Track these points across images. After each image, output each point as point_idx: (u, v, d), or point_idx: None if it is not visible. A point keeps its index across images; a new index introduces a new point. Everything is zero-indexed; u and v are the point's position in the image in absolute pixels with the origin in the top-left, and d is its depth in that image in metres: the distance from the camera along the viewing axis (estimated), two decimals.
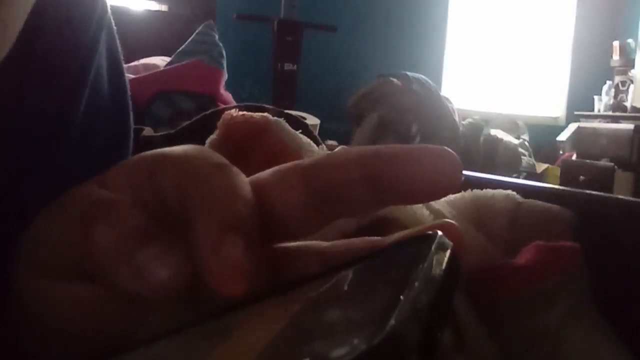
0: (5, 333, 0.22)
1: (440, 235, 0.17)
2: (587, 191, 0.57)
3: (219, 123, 0.46)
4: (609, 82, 4.16)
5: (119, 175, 0.21)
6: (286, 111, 0.63)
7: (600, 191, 0.58)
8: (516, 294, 0.43)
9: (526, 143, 3.80)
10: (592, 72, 4.29)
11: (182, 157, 0.20)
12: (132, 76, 1.67)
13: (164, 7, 3.40)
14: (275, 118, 0.47)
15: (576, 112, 4.12)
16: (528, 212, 0.50)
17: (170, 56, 1.89)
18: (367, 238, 0.22)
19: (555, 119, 4.48)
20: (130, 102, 0.39)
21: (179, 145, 0.21)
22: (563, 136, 3.94)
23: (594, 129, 3.73)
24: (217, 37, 1.84)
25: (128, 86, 0.39)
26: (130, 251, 0.18)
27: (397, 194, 0.20)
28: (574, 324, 0.42)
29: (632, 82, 3.97)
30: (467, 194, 0.51)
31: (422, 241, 0.17)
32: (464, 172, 0.19)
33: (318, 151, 0.48)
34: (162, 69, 1.82)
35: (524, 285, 0.43)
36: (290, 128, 0.47)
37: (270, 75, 3.21)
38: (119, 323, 0.20)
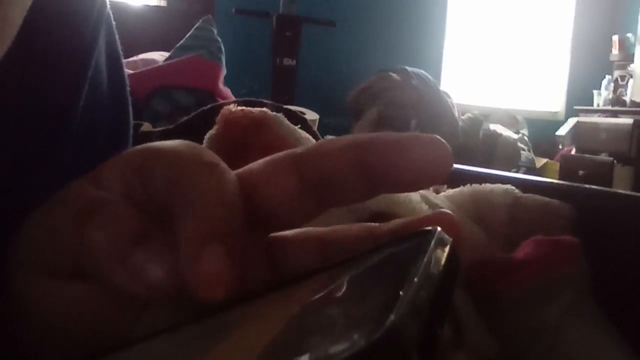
0: (1, 331, 0.22)
1: (440, 231, 0.17)
2: (587, 186, 0.57)
3: (218, 118, 0.46)
4: (608, 77, 4.15)
5: (111, 170, 0.21)
6: (285, 106, 0.63)
7: (600, 186, 0.58)
8: (516, 288, 0.43)
9: (525, 138, 3.80)
10: (592, 66, 4.28)
11: (171, 153, 0.20)
12: (131, 71, 1.66)
13: (162, 2, 3.40)
14: (274, 113, 0.47)
15: (575, 107, 4.11)
16: (527, 206, 0.50)
17: (169, 51, 1.89)
18: (364, 224, 0.22)
19: (555, 113, 4.48)
20: (129, 98, 0.39)
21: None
22: (562, 131, 3.93)
23: (593, 123, 3.72)
24: (215, 32, 1.83)
25: (127, 82, 0.39)
26: (125, 251, 0.18)
27: (388, 181, 0.20)
28: (573, 318, 0.42)
29: (631, 76, 3.96)
30: (466, 188, 0.51)
31: (422, 237, 0.17)
32: (464, 167, 0.19)
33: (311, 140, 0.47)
34: (160, 64, 1.81)
35: (524, 279, 0.43)
36: (289, 123, 0.47)
37: (269, 71, 3.20)
38: (114, 322, 0.20)
